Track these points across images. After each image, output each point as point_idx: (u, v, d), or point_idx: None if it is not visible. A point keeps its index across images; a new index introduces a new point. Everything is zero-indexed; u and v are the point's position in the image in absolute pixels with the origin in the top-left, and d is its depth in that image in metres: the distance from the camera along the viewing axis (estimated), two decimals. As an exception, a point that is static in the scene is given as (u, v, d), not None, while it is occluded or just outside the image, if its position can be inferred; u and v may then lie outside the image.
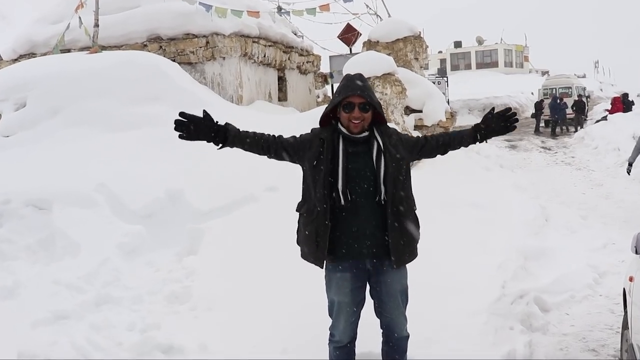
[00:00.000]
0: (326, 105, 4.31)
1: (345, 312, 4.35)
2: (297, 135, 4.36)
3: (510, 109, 4.42)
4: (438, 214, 8.37)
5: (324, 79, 19.18)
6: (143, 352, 5.16)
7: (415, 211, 4.43)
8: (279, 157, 4.35)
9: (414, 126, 12.80)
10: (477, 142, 4.39)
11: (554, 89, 33.27)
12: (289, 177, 8.50)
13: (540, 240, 8.42)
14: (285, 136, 4.38)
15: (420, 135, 4.63)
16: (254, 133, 4.31)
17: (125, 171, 8.13)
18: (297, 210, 4.42)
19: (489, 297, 6.30)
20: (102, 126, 9.42)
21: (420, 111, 12.95)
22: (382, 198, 4.15)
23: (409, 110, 12.92)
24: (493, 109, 4.45)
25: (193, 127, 4.14)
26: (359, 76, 4.26)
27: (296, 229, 4.48)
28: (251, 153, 4.37)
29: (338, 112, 4.26)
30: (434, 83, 19.04)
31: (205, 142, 4.21)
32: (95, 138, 9.12)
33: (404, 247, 4.27)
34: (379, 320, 4.48)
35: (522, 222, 8.82)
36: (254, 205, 7.90)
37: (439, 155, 4.53)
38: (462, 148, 4.50)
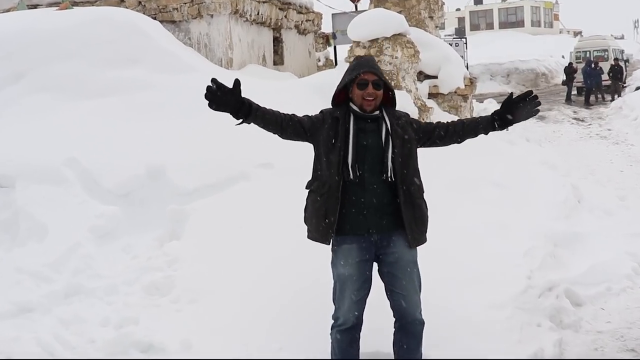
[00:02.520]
0: (338, 83, 4.67)
1: (350, 288, 4.57)
2: (310, 115, 4.82)
3: (531, 92, 4.74)
4: (454, 194, 8.32)
5: (326, 40, 19.09)
6: (118, 350, 5.16)
7: (424, 197, 4.80)
8: (293, 136, 4.79)
9: (428, 94, 12.70)
10: (497, 130, 4.83)
11: (588, 52, 33.18)
12: (284, 152, 8.44)
13: (572, 225, 8.37)
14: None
15: (435, 122, 5.01)
16: (272, 110, 4.71)
17: (99, 144, 8.06)
18: (306, 188, 4.83)
19: (513, 289, 6.26)
20: (72, 92, 9.33)
21: (436, 77, 12.85)
22: (390, 176, 4.56)
23: (422, 76, 12.81)
24: (511, 94, 4.78)
25: (222, 96, 4.56)
26: (371, 57, 4.78)
27: (304, 207, 4.83)
28: (266, 130, 4.75)
29: (351, 91, 4.67)
30: (451, 45, 18.91)
31: (229, 113, 4.63)
32: (64, 106, 9.04)
33: (418, 224, 4.66)
34: (389, 304, 4.63)
35: (551, 203, 8.75)
36: (246, 183, 7.85)
37: (454, 145, 5.00)
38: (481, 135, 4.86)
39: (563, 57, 41.09)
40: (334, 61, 20.52)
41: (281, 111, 4.75)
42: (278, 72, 14.00)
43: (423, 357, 4.69)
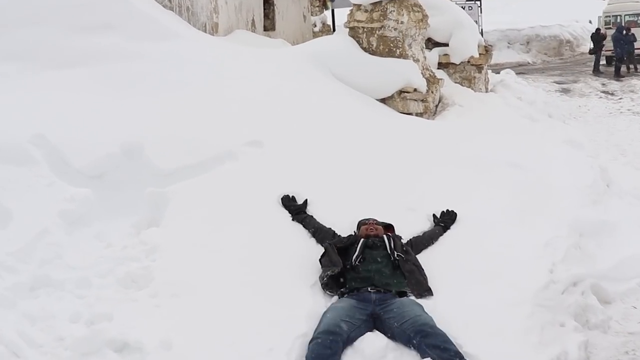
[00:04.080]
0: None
1: (335, 311, 5.70)
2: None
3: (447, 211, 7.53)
4: (468, 176, 8.31)
5: (323, 2, 19.00)
6: (90, 349, 5.16)
7: None
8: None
9: (438, 64, 12.68)
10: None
11: (619, 17, 33.00)
12: (275, 129, 8.48)
13: (600, 212, 8.34)
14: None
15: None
16: (318, 225, 7.03)
17: (69, 119, 8.04)
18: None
19: (534, 284, 6.27)
20: (40, 62, 9.32)
21: (446, 45, 12.83)
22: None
23: (431, 44, 12.79)
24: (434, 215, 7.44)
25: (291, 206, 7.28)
26: None
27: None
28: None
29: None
30: (464, 9, 18.83)
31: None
32: (31, 77, 9.02)
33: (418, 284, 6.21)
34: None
35: (577, 188, 8.73)
36: (232, 164, 7.83)
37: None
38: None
39: (590, 22, 40.93)
40: (331, 27, 20.46)
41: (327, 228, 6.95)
42: (269, 38, 13.97)
43: None
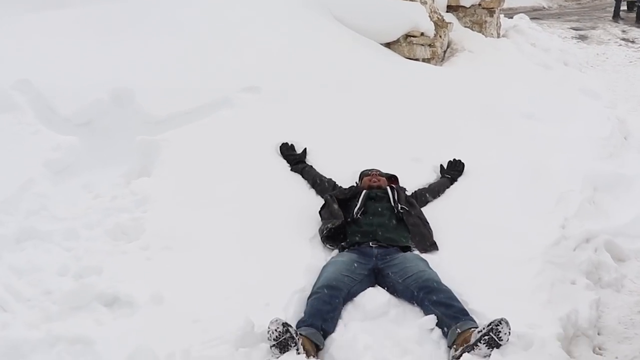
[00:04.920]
0: None
1: (335, 265, 5.70)
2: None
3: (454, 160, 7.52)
4: (477, 126, 8.33)
5: None
6: (79, 303, 5.17)
7: None
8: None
9: (447, 7, 12.59)
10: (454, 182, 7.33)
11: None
12: (273, 74, 8.45)
13: (616, 165, 8.32)
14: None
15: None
16: (319, 176, 7.07)
17: (55, 64, 8.03)
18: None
19: (544, 239, 6.29)
20: (20, 3, 9.26)
21: (457, -15, 12.73)
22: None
23: (440, -15, 12.69)
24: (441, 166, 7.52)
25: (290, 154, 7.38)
26: None
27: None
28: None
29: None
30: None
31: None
32: (13, 18, 8.98)
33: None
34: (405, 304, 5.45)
35: (592, 139, 8.73)
36: (228, 110, 7.83)
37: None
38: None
39: (611, -36, 40.60)
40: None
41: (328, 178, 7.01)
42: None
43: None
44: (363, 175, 6.87)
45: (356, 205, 6.35)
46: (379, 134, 7.80)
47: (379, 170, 6.87)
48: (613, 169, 8.09)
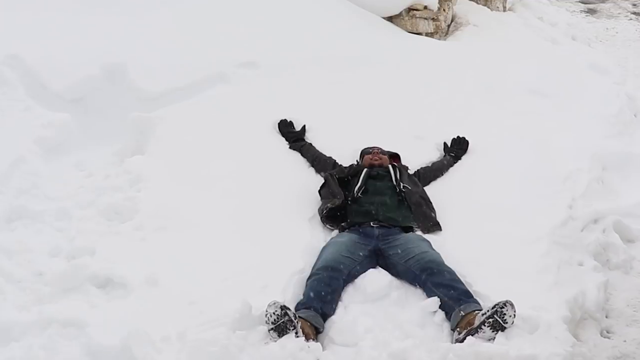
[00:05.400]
0: None
1: (335, 245, 5.73)
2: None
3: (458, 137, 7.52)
4: (482, 103, 8.31)
5: None
6: (71, 285, 5.19)
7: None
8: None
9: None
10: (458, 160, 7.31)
11: None
12: (271, 49, 8.43)
13: (626, 144, 8.29)
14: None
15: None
16: (318, 154, 7.08)
17: (45, 38, 8.02)
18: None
19: (551, 219, 6.30)
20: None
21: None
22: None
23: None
24: (445, 144, 7.48)
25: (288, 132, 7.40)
26: None
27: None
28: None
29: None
30: None
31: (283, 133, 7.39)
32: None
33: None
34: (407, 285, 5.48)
35: (601, 117, 8.71)
36: (224, 87, 7.83)
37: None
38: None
39: None
40: None
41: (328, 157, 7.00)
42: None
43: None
44: (364, 153, 6.85)
45: (357, 184, 6.34)
46: (380, 110, 7.79)
47: (380, 148, 6.86)
48: (622, 147, 8.07)
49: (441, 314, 5.16)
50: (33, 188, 6.30)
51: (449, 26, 11.21)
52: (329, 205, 6.17)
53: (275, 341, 4.76)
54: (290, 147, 7.20)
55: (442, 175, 7.05)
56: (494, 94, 8.57)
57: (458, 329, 4.94)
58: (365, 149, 6.90)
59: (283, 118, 7.41)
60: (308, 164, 6.99)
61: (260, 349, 4.71)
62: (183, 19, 8.68)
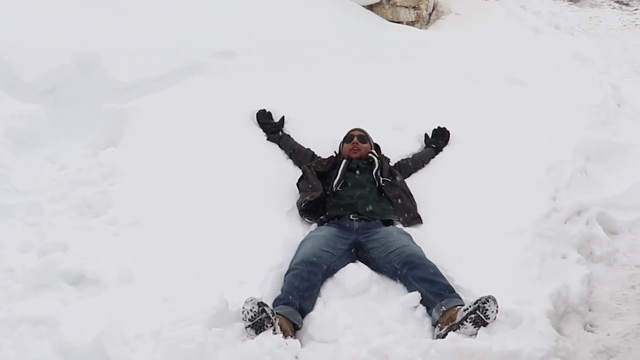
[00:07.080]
0: None
1: (314, 239, 5.70)
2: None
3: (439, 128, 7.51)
4: (464, 93, 8.31)
5: None
6: (43, 281, 5.15)
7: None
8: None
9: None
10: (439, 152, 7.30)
11: None
12: (248, 38, 8.40)
13: (610, 134, 8.34)
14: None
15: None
16: (296, 146, 7.03)
17: (16, 27, 7.99)
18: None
19: (534, 212, 6.31)
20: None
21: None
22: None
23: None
24: (426, 135, 7.48)
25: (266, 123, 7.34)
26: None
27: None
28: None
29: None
30: None
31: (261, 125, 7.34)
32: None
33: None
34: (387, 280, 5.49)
35: (584, 107, 8.72)
36: (200, 76, 7.82)
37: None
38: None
39: None
40: None
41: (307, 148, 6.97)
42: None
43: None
44: (345, 140, 6.79)
45: (336, 176, 6.33)
46: (360, 101, 7.77)
47: (362, 132, 6.81)
48: (606, 137, 8.11)
49: (422, 309, 5.14)
50: (3, 181, 6.26)
51: (430, 15, 11.21)
52: (307, 198, 6.15)
53: (253, 338, 4.73)
54: (268, 139, 7.17)
55: (423, 167, 7.04)
56: (476, 84, 8.56)
57: (439, 325, 4.93)
58: (347, 134, 6.80)
59: (261, 109, 7.36)
60: (286, 156, 6.96)
61: (237, 346, 4.67)
62: (158, 8, 8.64)
